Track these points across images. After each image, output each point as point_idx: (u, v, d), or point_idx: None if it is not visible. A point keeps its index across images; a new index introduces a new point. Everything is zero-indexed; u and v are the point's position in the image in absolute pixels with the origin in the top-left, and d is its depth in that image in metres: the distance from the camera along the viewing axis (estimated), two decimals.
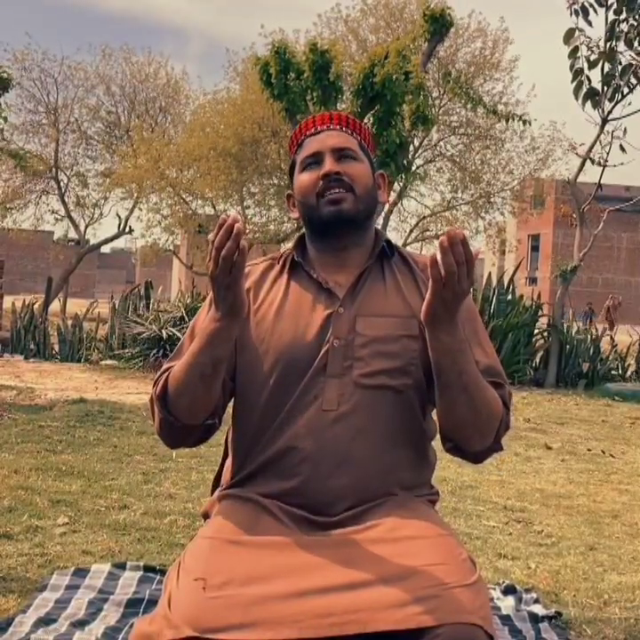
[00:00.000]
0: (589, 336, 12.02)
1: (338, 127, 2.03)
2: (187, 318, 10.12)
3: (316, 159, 1.99)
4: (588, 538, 4.04)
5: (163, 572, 3.03)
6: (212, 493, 2.12)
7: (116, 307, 11.34)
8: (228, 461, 2.07)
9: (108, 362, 10.58)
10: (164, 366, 1.97)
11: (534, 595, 3.07)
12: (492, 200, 24.77)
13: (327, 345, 1.90)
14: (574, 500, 4.83)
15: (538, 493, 4.93)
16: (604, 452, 6.48)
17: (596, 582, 3.36)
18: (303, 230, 2.07)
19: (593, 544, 3.92)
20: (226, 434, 2.06)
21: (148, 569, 3.09)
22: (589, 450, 6.58)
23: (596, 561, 3.67)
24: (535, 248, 47.01)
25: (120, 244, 71.59)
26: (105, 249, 52.52)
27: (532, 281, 44.03)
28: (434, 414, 1.96)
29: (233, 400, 2.01)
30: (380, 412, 1.89)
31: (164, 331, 9.91)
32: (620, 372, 12.13)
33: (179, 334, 9.84)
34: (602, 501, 4.83)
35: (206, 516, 2.05)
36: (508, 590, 3.08)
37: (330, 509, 1.85)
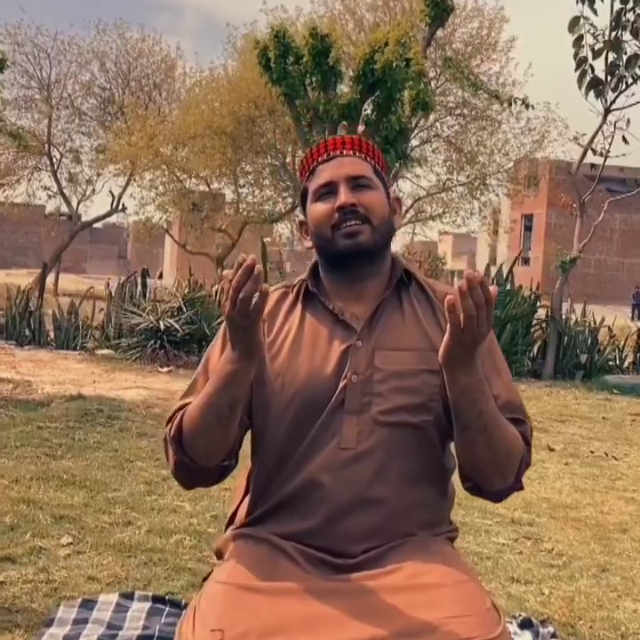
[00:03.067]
0: (587, 327, 11.95)
1: (351, 152, 1.95)
2: (185, 309, 10.02)
3: (330, 189, 1.91)
4: (599, 557, 3.99)
5: (171, 602, 2.97)
6: (226, 529, 2.06)
7: (112, 294, 11.21)
8: (245, 497, 2.01)
9: (105, 351, 10.46)
10: (178, 404, 1.91)
11: (551, 628, 3.01)
12: (487, 182, 24.70)
13: (345, 380, 1.84)
14: (581, 510, 4.79)
15: (545, 503, 4.88)
16: (606, 455, 6.44)
17: (611, 610, 3.32)
18: (316, 258, 2.00)
19: (604, 564, 3.88)
20: (249, 470, 1.99)
21: (156, 599, 3.02)
22: (592, 452, 6.54)
23: (610, 585, 3.63)
24: (528, 228, 46.96)
25: (112, 218, 71.20)
26: (97, 224, 52.22)
27: (525, 261, 44.03)
28: (452, 447, 1.91)
29: (250, 436, 1.94)
30: (400, 450, 1.84)
31: (161, 322, 9.80)
32: (618, 363, 12.08)
33: (176, 325, 9.75)
34: (609, 512, 4.79)
35: (220, 554, 2.00)
36: (525, 624, 3.02)
37: (348, 551, 1.80)
